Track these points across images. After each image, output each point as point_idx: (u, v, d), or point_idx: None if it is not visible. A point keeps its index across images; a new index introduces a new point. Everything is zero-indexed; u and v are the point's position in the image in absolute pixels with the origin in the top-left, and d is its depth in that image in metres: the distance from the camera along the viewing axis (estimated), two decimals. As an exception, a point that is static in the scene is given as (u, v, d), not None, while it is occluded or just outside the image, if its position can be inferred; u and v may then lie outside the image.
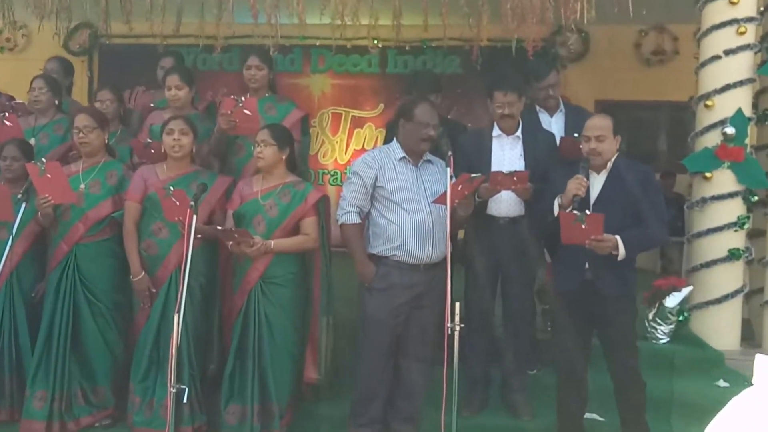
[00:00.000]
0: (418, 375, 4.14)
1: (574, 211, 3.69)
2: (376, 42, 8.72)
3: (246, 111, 4.45)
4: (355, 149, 9.40)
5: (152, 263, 4.23)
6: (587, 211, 3.70)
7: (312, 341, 4.30)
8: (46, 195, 4.17)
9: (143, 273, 4.21)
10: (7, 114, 4.73)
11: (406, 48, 9.02)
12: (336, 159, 9.51)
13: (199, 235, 3.97)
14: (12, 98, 5.50)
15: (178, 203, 4.00)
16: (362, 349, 4.12)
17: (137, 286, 4.22)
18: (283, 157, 4.21)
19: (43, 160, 4.24)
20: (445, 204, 3.80)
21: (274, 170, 4.20)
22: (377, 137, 9.34)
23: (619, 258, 3.76)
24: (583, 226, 3.64)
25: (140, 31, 8.38)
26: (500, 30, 5.72)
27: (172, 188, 4.02)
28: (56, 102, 4.98)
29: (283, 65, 9.24)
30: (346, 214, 4.05)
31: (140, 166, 4.59)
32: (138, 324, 4.30)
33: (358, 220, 4.05)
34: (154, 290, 4.22)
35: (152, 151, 4.54)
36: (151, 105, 5.11)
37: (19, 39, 9.95)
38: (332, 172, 9.41)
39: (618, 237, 3.73)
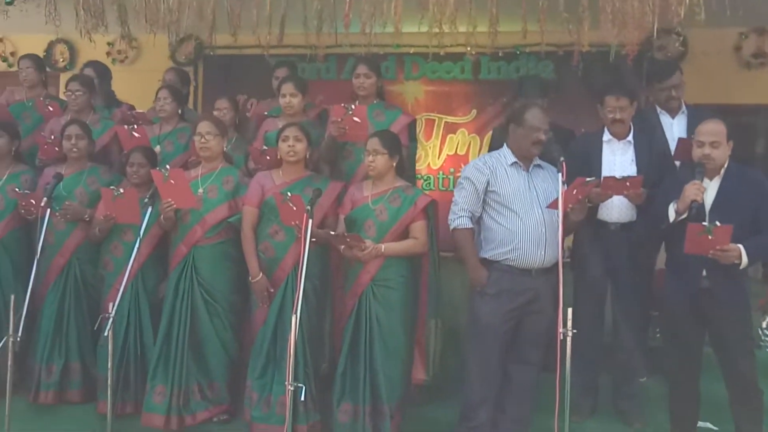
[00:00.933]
0: (528, 380, 4.10)
1: (703, 223, 3.59)
2: (469, 49, 8.74)
3: (355, 118, 4.49)
4: (447, 155, 9.36)
5: (270, 265, 4.32)
6: (717, 223, 3.57)
7: (419, 343, 4.30)
8: (169, 200, 4.30)
9: (261, 274, 4.29)
10: (135, 126, 4.90)
11: (500, 54, 8.91)
12: (429, 164, 9.48)
13: (314, 239, 4.02)
14: (132, 107, 5.69)
15: (294, 208, 4.08)
16: (472, 353, 4.09)
17: (256, 287, 4.30)
18: (393, 164, 4.22)
19: (167, 167, 4.37)
20: (557, 209, 3.75)
21: (384, 176, 4.23)
22: (470, 143, 9.29)
23: (742, 266, 3.62)
24: (710, 237, 3.52)
25: (243, 42, 8.65)
26: (597, 35, 5.62)
27: (289, 194, 4.08)
28: (179, 111, 5.14)
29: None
30: (459, 218, 4.03)
31: (255, 172, 4.69)
32: (255, 323, 4.39)
33: (470, 225, 4.03)
34: (272, 290, 4.29)
35: (268, 157, 4.64)
36: (265, 114, 5.20)
37: (130, 51, 10.30)
38: (425, 177, 9.38)
39: (741, 246, 3.59)
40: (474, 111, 9.25)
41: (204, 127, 4.47)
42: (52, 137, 4.93)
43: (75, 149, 4.71)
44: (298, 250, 4.19)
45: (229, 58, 8.95)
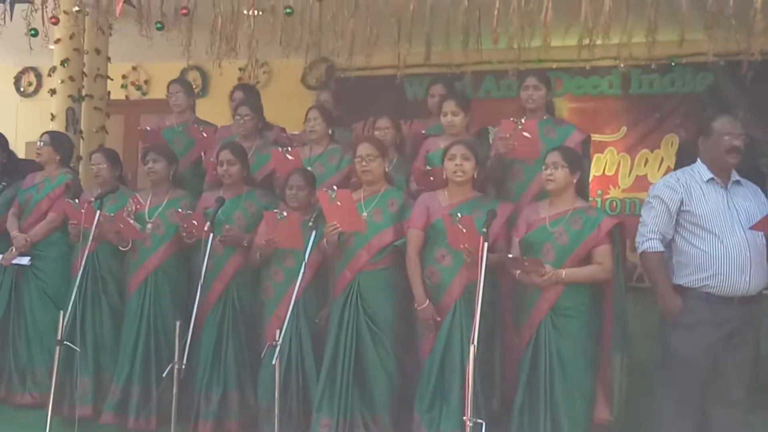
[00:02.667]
0: (730, 421, 3.83)
1: None
2: (617, 61, 8.49)
3: (525, 134, 4.40)
4: (594, 175, 9.10)
5: (435, 291, 4.26)
6: None
7: (603, 379, 4.10)
8: (335, 222, 4.31)
9: (428, 301, 4.22)
10: (290, 148, 4.97)
11: (652, 66, 8.61)
12: (575, 186, 9.23)
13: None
14: (284, 130, 5.80)
15: (464, 230, 4.00)
16: (665, 391, 3.87)
17: (422, 314, 4.25)
18: (574, 181, 4.09)
19: (335, 187, 4.38)
20: (765, 230, 3.51)
21: (563, 194, 4.10)
22: (619, 162, 9.04)
23: None
24: None
25: (375, 62, 8.74)
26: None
27: (459, 215, 4.01)
28: (329, 132, 5.18)
29: (517, 90, 9.18)
30: (648, 241, 3.84)
31: (418, 193, 4.65)
32: (421, 352, 4.31)
33: (660, 248, 3.84)
34: (438, 319, 4.21)
35: (432, 177, 4.59)
36: (423, 132, 5.18)
37: (261, 76, 10.60)
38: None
39: None
40: (624, 128, 9.00)
41: (364, 149, 4.47)
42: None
43: (227, 175, 4.82)
44: (467, 276, 4.18)
45: (360, 79, 9.09)
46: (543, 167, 4.12)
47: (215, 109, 6.67)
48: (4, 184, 5.10)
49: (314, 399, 4.38)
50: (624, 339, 4.06)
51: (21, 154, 11.00)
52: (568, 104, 9.23)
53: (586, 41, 6.19)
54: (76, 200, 4.90)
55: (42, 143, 5.30)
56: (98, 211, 4.67)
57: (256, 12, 7.32)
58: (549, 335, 4.00)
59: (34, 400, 5.04)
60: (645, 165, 8.84)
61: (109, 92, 9.58)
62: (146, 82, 11.32)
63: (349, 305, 4.40)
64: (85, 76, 8.90)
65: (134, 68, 11.16)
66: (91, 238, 4.65)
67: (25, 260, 5.08)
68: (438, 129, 5.23)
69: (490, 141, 5.16)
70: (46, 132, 5.65)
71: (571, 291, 3.99)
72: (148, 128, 5.68)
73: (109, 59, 9.26)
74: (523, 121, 4.44)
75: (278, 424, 4.09)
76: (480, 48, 7.23)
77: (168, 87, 5.86)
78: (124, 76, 10.87)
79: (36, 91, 11.70)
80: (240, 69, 10.15)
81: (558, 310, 4.00)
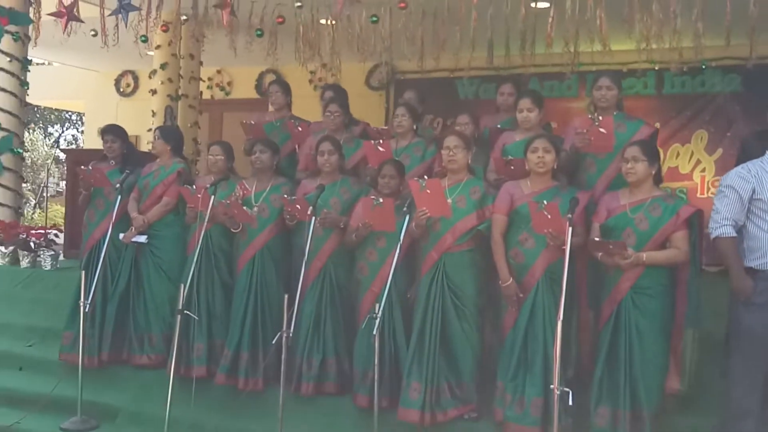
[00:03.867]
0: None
1: None
2: (652, 64, 8.18)
3: (602, 129, 4.16)
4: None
5: (519, 271, 4.04)
6: None
7: (675, 353, 3.86)
8: (424, 209, 4.12)
9: (511, 279, 4.02)
10: (381, 141, 4.79)
11: (684, 69, 8.25)
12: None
13: (563, 246, 3.72)
14: (368, 125, 5.63)
15: (549, 216, 3.79)
16: (736, 365, 3.62)
17: (506, 291, 4.04)
18: (652, 172, 3.85)
19: (425, 177, 4.19)
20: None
21: (642, 184, 3.86)
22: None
23: None
24: None
25: (430, 66, 8.53)
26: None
27: (545, 202, 3.80)
28: (414, 127, 5.00)
29: (560, 91, 8.92)
30: (722, 227, 3.59)
31: (497, 182, 4.45)
32: (505, 326, 4.12)
33: (733, 234, 3.58)
34: (521, 295, 4.01)
35: (512, 167, 4.37)
36: (497, 126, 4.95)
37: (329, 78, 10.42)
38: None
39: None
40: (657, 125, 8.66)
41: (451, 141, 4.26)
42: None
43: (328, 164, 4.64)
44: (548, 257, 3.98)
45: (416, 81, 8.87)
46: (623, 161, 3.88)
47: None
48: (128, 171, 4.98)
49: (404, 365, 4.20)
50: (696, 316, 3.82)
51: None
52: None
53: (638, 45, 5.95)
54: (193, 186, 4.76)
55: (156, 137, 5.18)
56: (212, 196, 4.54)
57: (332, 21, 7.16)
58: (629, 312, 3.77)
59: (151, 362, 4.95)
60: (676, 158, 8.53)
61: (201, 92, 9.53)
62: (229, 83, 11.22)
63: (435, 282, 4.19)
64: (181, 78, 8.84)
65: (219, 71, 11.06)
66: (206, 220, 4.52)
67: (142, 238, 4.97)
68: (506, 124, 5.03)
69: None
70: (158, 127, 5.56)
71: (650, 272, 3.75)
72: (252, 122, 5.53)
73: (201, 63, 9.19)
74: (600, 118, 4.19)
75: (377, 389, 3.93)
76: (533, 53, 7.02)
77: (268, 87, 5.72)
78: (209, 78, 10.75)
79: (134, 92, 11.67)
80: (311, 72, 10.08)
81: (638, 290, 3.76)
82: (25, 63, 7.02)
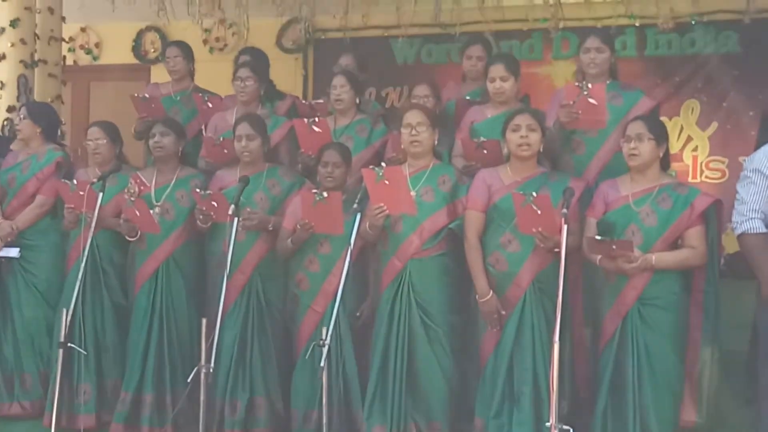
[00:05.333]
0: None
1: None
2: (632, 19, 8.40)
3: (591, 100, 4.21)
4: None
5: (501, 281, 4.06)
6: None
7: (691, 376, 3.95)
8: (381, 204, 4.08)
9: (491, 293, 4.04)
10: (316, 119, 4.71)
11: (670, 25, 8.51)
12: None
13: (556, 249, 3.77)
14: (297, 98, 5.56)
15: (539, 211, 3.81)
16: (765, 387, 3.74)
17: (484, 307, 4.06)
18: (660, 154, 3.93)
19: (383, 164, 4.15)
20: None
21: (647, 170, 3.94)
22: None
23: None
24: None
25: (358, 23, 8.49)
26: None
27: (534, 194, 3.82)
28: (357, 101, 4.95)
29: (520, 53, 9.03)
30: (748, 221, 3.68)
31: (466, 169, 4.45)
32: (484, 350, 4.13)
33: (763, 229, 3.68)
34: (503, 312, 4.04)
35: (485, 151, 4.38)
36: (467, 98, 4.95)
37: (229, 38, 10.22)
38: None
39: None
40: (639, 92, 8.91)
41: (414, 117, 4.22)
42: (221, 138, 4.79)
43: (246, 151, 4.54)
44: (537, 263, 4.03)
45: (342, 41, 8.80)
46: (625, 140, 3.95)
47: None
48: None
49: (364, 405, 4.16)
50: (714, 332, 3.93)
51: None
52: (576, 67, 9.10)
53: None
54: (74, 181, 4.57)
55: (21, 117, 4.95)
56: (100, 194, 4.38)
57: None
58: (636, 328, 3.83)
59: (24, 411, 4.77)
60: (663, 134, 8.75)
61: (64, 57, 9.15)
62: (97, 45, 10.84)
63: (399, 298, 4.17)
64: (37, 38, 8.46)
65: (83, 29, 10.66)
66: (93, 224, 4.35)
67: (13, 252, 4.74)
68: (474, 95, 5.05)
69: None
70: (24, 104, 5.31)
71: (660, 278, 3.82)
72: (146, 96, 5.35)
73: (63, 19, 8.83)
74: (589, 86, 4.24)
75: (326, 434, 3.88)
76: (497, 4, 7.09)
77: (165, 51, 5.55)
78: (71, 39, 10.32)
79: (-27, 56, 11.09)
80: (205, 30, 9.86)
81: (646, 300, 3.83)
82: None
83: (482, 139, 4.43)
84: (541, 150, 4.18)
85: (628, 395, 3.82)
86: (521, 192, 3.90)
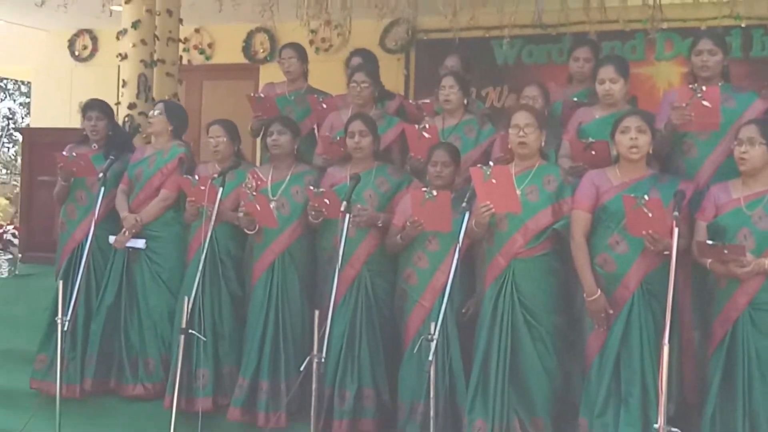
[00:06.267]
0: None
1: None
2: (738, 20, 8.11)
3: (705, 103, 4.08)
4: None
5: (609, 281, 3.99)
6: None
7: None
8: (488, 202, 4.06)
9: (599, 292, 3.97)
10: (427, 126, 4.72)
11: (776, 25, 8.19)
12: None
13: (666, 252, 3.68)
14: (404, 98, 5.57)
15: (650, 214, 3.73)
16: None
17: (592, 306, 3.99)
18: None
19: (491, 163, 4.13)
20: None
21: (759, 173, 3.81)
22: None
23: None
24: None
25: (461, 24, 8.43)
26: None
27: (645, 197, 3.74)
28: (465, 101, 4.94)
29: (622, 54, 8.83)
30: None
31: (573, 170, 4.39)
32: (589, 350, 4.07)
33: None
34: (611, 312, 3.97)
35: (593, 152, 4.32)
36: (574, 99, 4.88)
37: (335, 39, 10.32)
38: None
39: None
40: (744, 96, 8.61)
41: (522, 118, 4.19)
42: (337, 137, 4.86)
43: (359, 148, 4.59)
44: (646, 265, 3.96)
45: (443, 42, 8.78)
46: (736, 143, 3.82)
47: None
48: (113, 157, 4.89)
49: (466, 399, 4.15)
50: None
51: (76, 121, 10.95)
52: (680, 69, 8.80)
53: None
54: (196, 176, 4.70)
55: (156, 112, 5.10)
56: (220, 189, 4.48)
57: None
58: (747, 333, 3.71)
59: (146, 392, 4.91)
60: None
61: (180, 57, 9.41)
62: (210, 45, 11.10)
63: (503, 296, 4.14)
64: (157, 39, 8.73)
65: (197, 31, 10.93)
66: (213, 217, 4.47)
67: (140, 243, 4.89)
68: (581, 96, 4.98)
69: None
70: (161, 101, 5.48)
71: (773, 283, 3.70)
72: (261, 95, 5.46)
73: (180, 21, 9.09)
74: (703, 88, 4.12)
75: (433, 428, 3.88)
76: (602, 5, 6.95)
77: (280, 52, 5.65)
78: (186, 39, 10.61)
79: (91, 55, 11.52)
80: (312, 31, 9.99)
81: (758, 305, 3.70)
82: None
83: (591, 140, 4.36)
84: (650, 152, 4.08)
85: (738, 401, 3.70)
86: (631, 194, 3.82)
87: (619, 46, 8.86)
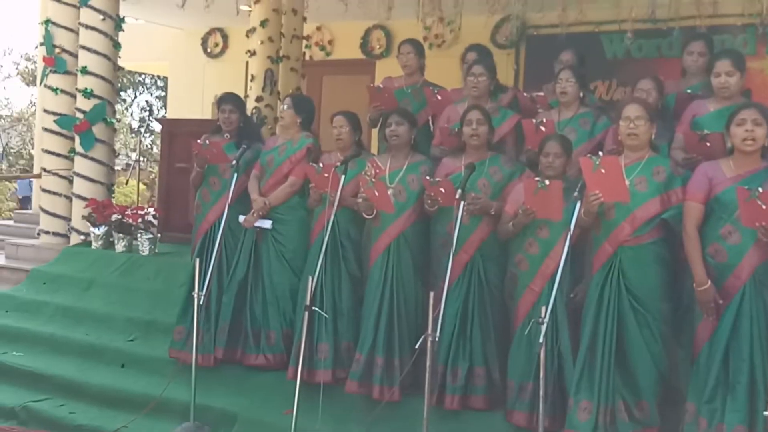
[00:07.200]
0: None
1: None
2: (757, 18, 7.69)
3: None
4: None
5: (720, 271, 3.90)
6: None
7: None
8: (597, 191, 4.01)
9: (709, 282, 3.88)
10: (544, 120, 4.73)
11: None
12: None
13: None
14: (519, 91, 5.57)
15: (764, 206, 3.62)
16: None
17: (701, 296, 3.91)
18: None
19: (600, 153, 4.09)
20: None
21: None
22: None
23: None
24: None
25: (571, 19, 8.28)
26: None
27: (760, 189, 3.63)
28: (581, 95, 4.90)
29: (733, 48, 8.51)
30: None
31: (684, 161, 4.30)
32: (698, 338, 3.98)
33: None
34: (721, 302, 3.87)
35: (708, 144, 4.20)
36: (687, 92, 4.76)
37: (447, 35, 10.34)
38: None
39: None
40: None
41: (633, 110, 4.13)
42: (455, 128, 4.91)
43: (476, 136, 4.61)
44: (759, 256, 3.86)
45: (552, 38, 8.66)
46: None
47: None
48: (245, 146, 5.10)
49: (572, 381, 4.14)
50: None
51: (207, 113, 11.37)
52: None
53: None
54: (320, 164, 4.84)
55: (285, 106, 5.29)
56: (342, 177, 4.60)
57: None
58: None
59: (267, 362, 5.11)
60: None
61: (303, 53, 9.65)
62: (330, 42, 11.31)
63: (609, 283, 4.11)
64: (282, 36, 8.98)
65: (318, 28, 11.15)
66: (336, 203, 4.59)
67: (267, 224, 5.09)
68: (695, 89, 4.84)
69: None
70: (289, 95, 5.66)
71: None
72: (380, 86, 5.56)
73: (304, 19, 9.30)
74: None
75: (542, 407, 3.88)
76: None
77: (399, 47, 5.72)
78: (308, 36, 10.88)
79: (222, 52, 11.95)
80: (426, 28, 10.04)
81: None
82: (119, 21, 7.28)
83: (706, 132, 4.25)
84: (766, 144, 3.94)
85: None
86: (746, 186, 3.71)
87: (729, 40, 8.55)
